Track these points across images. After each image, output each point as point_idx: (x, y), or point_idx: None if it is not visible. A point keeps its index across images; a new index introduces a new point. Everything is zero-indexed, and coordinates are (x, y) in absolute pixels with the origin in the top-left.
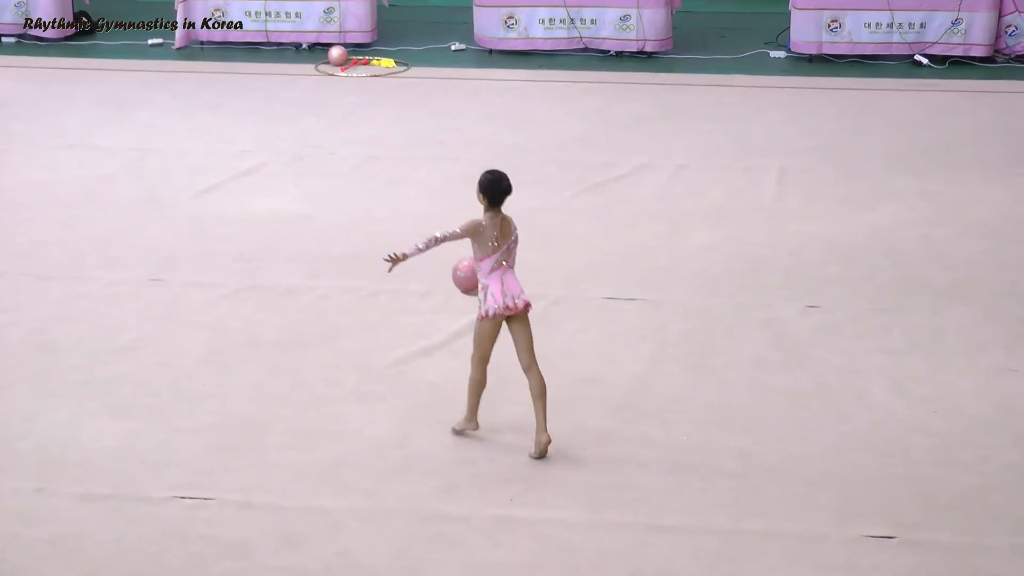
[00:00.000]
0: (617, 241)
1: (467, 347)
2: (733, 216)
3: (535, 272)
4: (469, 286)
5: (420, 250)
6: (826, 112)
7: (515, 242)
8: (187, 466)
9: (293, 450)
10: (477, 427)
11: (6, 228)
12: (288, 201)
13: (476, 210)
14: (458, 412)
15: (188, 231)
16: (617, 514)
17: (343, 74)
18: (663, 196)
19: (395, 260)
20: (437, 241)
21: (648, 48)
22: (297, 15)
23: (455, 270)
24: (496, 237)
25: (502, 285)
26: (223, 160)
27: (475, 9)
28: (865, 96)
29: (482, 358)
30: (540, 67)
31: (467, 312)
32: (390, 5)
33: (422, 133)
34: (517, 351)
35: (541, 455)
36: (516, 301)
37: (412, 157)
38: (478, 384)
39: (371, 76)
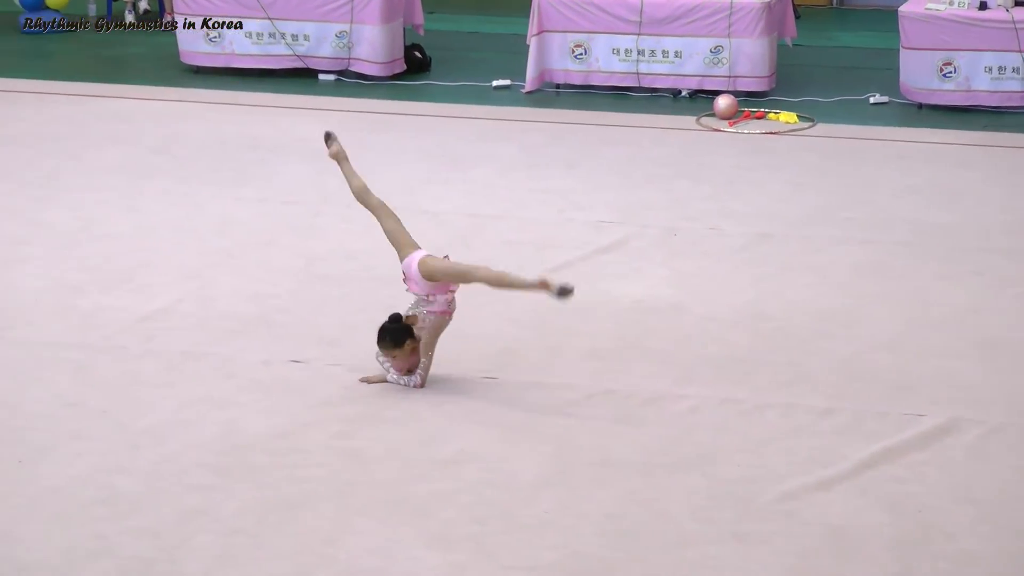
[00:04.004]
0: None
1: (877, 481)
2: None
3: (965, 390)
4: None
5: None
6: None
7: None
8: None
9: None
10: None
11: (313, 307)
12: (656, 287)
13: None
14: (867, 565)
15: (530, 319)
16: None
17: (731, 129)
18: None
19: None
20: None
21: None
22: (677, 55)
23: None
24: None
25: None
26: (576, 232)
27: (902, 52)
28: None
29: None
30: (985, 127)
31: (881, 437)
32: (793, 45)
33: (827, 207)
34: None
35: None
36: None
37: (813, 236)
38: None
39: (766, 133)
